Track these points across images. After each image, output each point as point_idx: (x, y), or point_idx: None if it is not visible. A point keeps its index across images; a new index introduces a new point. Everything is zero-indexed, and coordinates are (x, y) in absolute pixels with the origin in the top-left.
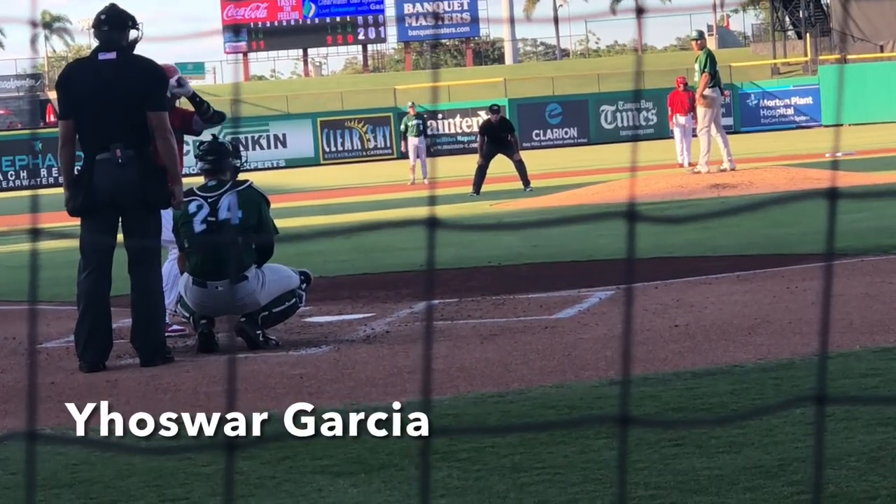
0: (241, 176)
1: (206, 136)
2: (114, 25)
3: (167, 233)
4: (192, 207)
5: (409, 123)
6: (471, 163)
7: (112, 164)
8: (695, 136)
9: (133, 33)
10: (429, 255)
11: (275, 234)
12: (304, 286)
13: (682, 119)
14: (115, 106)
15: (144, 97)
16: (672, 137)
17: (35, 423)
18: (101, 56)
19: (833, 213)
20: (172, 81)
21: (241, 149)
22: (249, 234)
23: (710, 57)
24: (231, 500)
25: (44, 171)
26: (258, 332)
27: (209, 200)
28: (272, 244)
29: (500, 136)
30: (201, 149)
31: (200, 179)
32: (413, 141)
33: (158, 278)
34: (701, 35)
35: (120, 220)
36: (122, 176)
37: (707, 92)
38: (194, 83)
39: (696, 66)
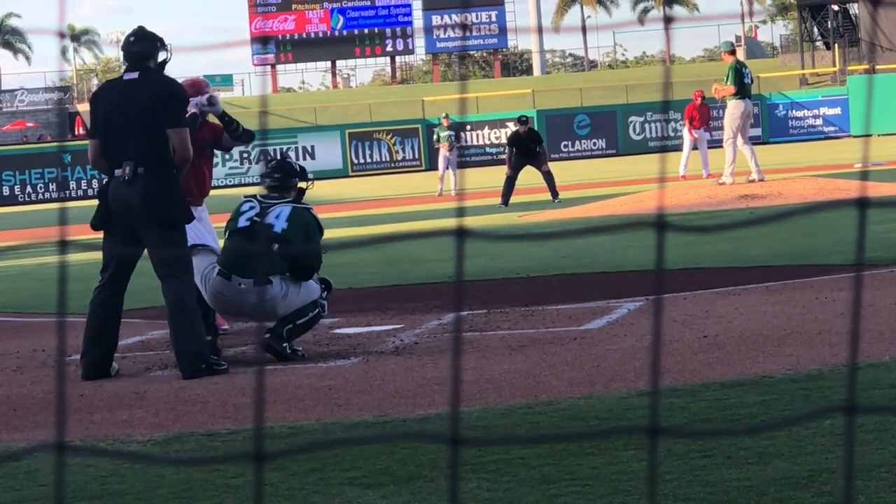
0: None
1: (276, 153)
2: (142, 47)
3: (198, 238)
4: (245, 206)
5: (442, 134)
6: (499, 174)
7: (120, 182)
8: (711, 147)
9: (161, 54)
10: (457, 266)
11: (319, 259)
12: (325, 294)
13: (696, 132)
14: (130, 123)
15: (160, 114)
16: (681, 150)
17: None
18: (126, 76)
19: (863, 222)
20: (203, 99)
21: (309, 173)
22: (288, 246)
23: (736, 69)
24: None
25: (73, 184)
26: (284, 345)
27: (263, 205)
28: (313, 266)
29: (528, 148)
30: (269, 166)
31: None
32: (444, 152)
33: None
34: (731, 46)
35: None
36: (128, 193)
37: (733, 102)
38: (223, 95)
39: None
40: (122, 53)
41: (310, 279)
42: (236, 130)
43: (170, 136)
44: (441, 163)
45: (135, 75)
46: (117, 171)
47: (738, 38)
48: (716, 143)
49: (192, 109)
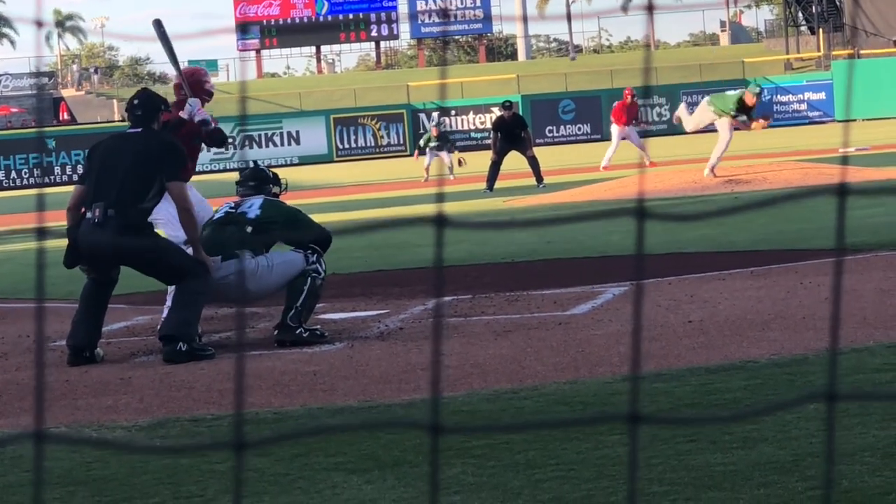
0: None
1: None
2: (146, 112)
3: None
4: (222, 208)
5: (431, 145)
6: (484, 159)
7: (90, 224)
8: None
9: (162, 117)
10: (437, 253)
11: (318, 229)
12: (314, 258)
13: (623, 129)
14: (120, 169)
15: (156, 164)
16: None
17: (43, 421)
18: (130, 131)
19: (843, 208)
20: (198, 115)
21: (282, 179)
22: (265, 228)
23: (742, 108)
24: (241, 498)
25: (57, 169)
26: (298, 330)
27: (238, 202)
28: (319, 237)
29: (513, 133)
30: (242, 174)
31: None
32: (432, 153)
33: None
34: (759, 92)
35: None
36: (98, 235)
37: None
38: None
39: (731, 104)
40: (126, 113)
41: (327, 247)
42: (213, 137)
43: (169, 189)
44: (427, 157)
45: (138, 130)
46: (88, 214)
47: (722, 24)
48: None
49: (183, 115)
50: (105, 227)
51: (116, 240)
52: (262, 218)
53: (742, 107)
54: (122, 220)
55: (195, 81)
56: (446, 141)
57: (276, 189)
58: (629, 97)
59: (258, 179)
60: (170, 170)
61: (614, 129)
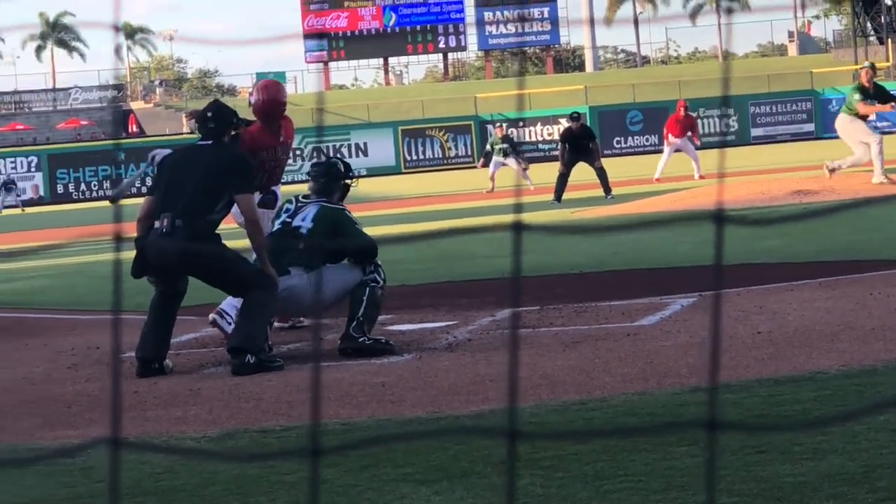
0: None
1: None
2: (218, 126)
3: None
4: (285, 206)
5: (496, 147)
6: (552, 170)
7: (158, 234)
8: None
9: (233, 129)
10: (515, 260)
11: (366, 242)
12: (372, 269)
13: (677, 141)
14: (190, 180)
15: (225, 177)
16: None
17: (119, 431)
18: (200, 143)
19: None
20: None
21: (353, 171)
22: (316, 242)
23: (861, 89)
24: None
25: (126, 181)
26: (361, 339)
27: (298, 205)
28: (366, 249)
29: (581, 144)
30: (315, 168)
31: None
32: (497, 158)
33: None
34: (871, 66)
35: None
36: (165, 245)
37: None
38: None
39: (854, 96)
40: (196, 124)
41: (373, 259)
42: (266, 201)
43: (237, 202)
44: (492, 166)
45: (208, 142)
46: (156, 223)
47: (790, 34)
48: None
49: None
50: (172, 237)
51: (183, 248)
52: (314, 231)
53: (863, 90)
54: (189, 231)
55: (274, 94)
56: (512, 144)
57: (347, 181)
58: (682, 110)
59: (328, 177)
60: (239, 183)
61: (670, 141)
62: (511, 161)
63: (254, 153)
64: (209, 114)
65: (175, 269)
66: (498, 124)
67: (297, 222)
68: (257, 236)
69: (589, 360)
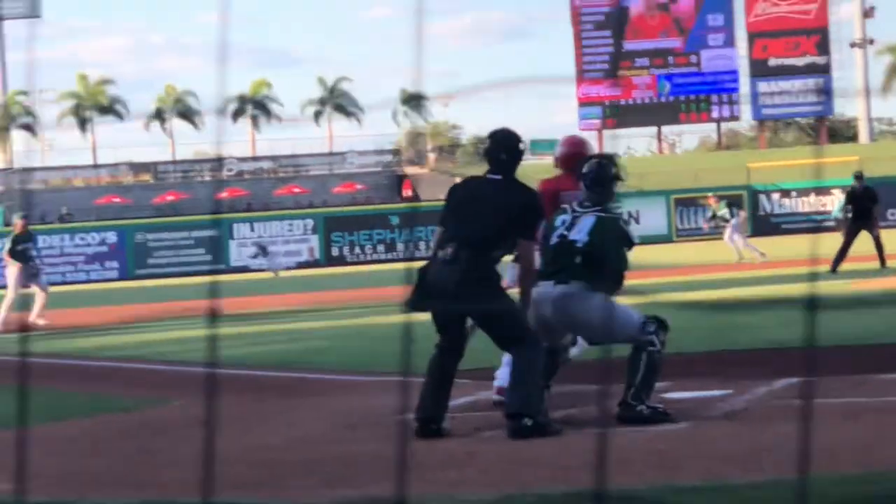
0: None
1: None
2: (510, 158)
3: None
4: (560, 219)
5: (718, 213)
6: (824, 241)
7: (440, 262)
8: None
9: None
10: (808, 331)
11: (620, 265)
12: (652, 329)
13: None
14: (476, 214)
15: (513, 220)
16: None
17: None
18: (490, 176)
19: None
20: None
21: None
22: (594, 256)
23: None
24: None
25: (400, 246)
26: (640, 408)
27: (574, 215)
28: (616, 272)
29: (864, 206)
30: (591, 178)
31: None
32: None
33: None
34: None
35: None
36: (446, 272)
37: None
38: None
39: None
40: (482, 151)
41: (617, 287)
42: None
43: (519, 246)
44: (726, 234)
45: (498, 177)
46: (440, 252)
47: None
48: None
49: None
50: (454, 265)
51: (465, 278)
52: (588, 245)
53: None
54: (471, 263)
55: (578, 152)
56: (730, 209)
57: (619, 182)
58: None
59: (602, 184)
60: (524, 229)
61: None
62: (736, 237)
63: (555, 196)
64: (499, 144)
65: (452, 296)
66: (709, 194)
67: (573, 235)
68: (528, 284)
69: (869, 433)
